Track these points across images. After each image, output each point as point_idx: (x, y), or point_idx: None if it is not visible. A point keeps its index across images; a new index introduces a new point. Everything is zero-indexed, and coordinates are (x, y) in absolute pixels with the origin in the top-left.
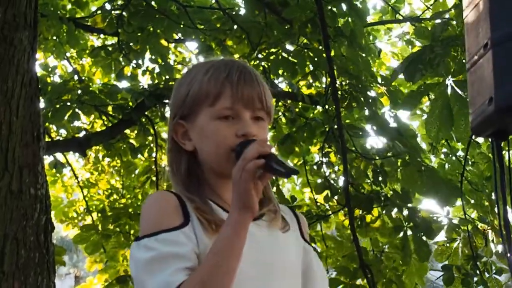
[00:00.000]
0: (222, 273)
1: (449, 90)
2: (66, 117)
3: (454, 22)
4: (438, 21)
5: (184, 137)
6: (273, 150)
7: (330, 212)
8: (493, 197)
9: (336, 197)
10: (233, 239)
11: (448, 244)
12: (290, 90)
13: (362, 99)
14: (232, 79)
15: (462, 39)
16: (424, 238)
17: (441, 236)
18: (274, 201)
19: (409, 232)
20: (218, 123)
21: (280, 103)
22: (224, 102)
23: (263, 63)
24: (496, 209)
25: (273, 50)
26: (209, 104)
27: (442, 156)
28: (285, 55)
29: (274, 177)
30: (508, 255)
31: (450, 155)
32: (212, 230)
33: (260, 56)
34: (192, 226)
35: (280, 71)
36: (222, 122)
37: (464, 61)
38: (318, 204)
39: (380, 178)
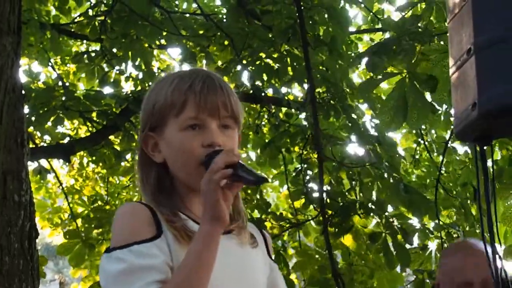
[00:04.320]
0: (193, 286)
1: (406, 83)
2: (50, 122)
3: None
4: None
5: (154, 149)
6: (242, 159)
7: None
8: (472, 201)
9: (314, 205)
10: (204, 251)
11: (421, 251)
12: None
13: (339, 107)
14: (195, 88)
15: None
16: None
17: (414, 243)
18: (243, 216)
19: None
20: (184, 134)
21: (264, 109)
22: (188, 112)
23: (248, 68)
24: (481, 214)
25: (256, 56)
26: (174, 115)
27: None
28: (268, 61)
29: (255, 187)
30: (491, 262)
31: (428, 163)
32: (184, 241)
33: (244, 62)
34: (165, 238)
35: (264, 77)
36: (188, 133)
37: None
38: (296, 212)
39: (356, 188)
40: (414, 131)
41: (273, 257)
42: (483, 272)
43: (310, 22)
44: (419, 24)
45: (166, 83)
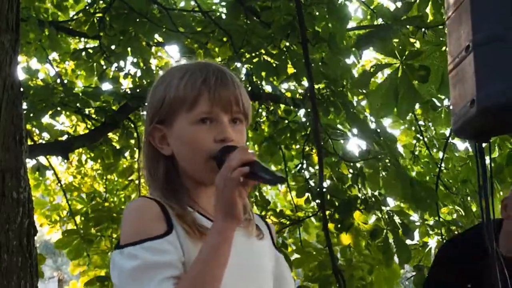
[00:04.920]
0: (208, 281)
1: (399, 74)
2: (47, 116)
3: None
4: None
5: (162, 141)
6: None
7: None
8: (472, 198)
9: (317, 201)
10: (218, 247)
11: (421, 248)
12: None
13: (339, 103)
14: (210, 83)
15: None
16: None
17: (415, 239)
18: (249, 209)
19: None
20: (196, 128)
21: (263, 106)
22: (202, 106)
23: (245, 66)
24: (480, 211)
25: (255, 53)
26: (186, 109)
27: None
28: (266, 58)
29: (257, 183)
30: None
31: (427, 161)
32: (195, 236)
33: (242, 59)
34: (176, 234)
35: (263, 74)
36: (200, 127)
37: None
38: (297, 208)
39: (359, 182)
40: (413, 128)
41: (276, 246)
42: None
43: (309, 18)
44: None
45: (176, 76)
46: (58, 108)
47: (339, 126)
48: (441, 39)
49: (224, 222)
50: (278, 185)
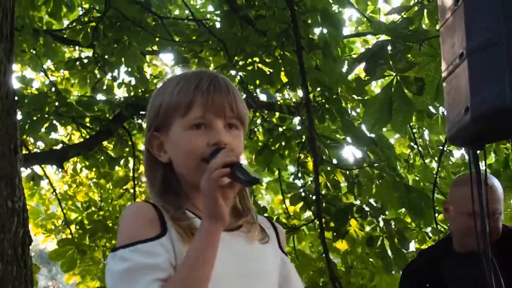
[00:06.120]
0: (194, 282)
1: (393, 86)
2: (43, 129)
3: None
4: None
5: (160, 149)
6: (242, 159)
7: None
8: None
9: (312, 208)
10: (204, 248)
11: None
12: (268, 100)
13: (334, 110)
14: (202, 88)
15: (420, 34)
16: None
17: (412, 247)
18: (252, 213)
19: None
20: (190, 133)
21: (257, 114)
22: (195, 111)
23: (240, 73)
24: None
25: (249, 60)
26: (180, 115)
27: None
28: (261, 66)
29: (251, 188)
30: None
31: (423, 167)
32: (189, 240)
33: (236, 67)
34: (170, 236)
35: (257, 82)
36: (194, 132)
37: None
38: (292, 216)
39: (355, 190)
40: (407, 136)
41: (284, 249)
42: (490, 204)
43: (304, 26)
44: (411, 28)
45: (171, 84)
46: (54, 121)
47: (333, 134)
48: (436, 50)
49: (209, 224)
50: (253, 186)
